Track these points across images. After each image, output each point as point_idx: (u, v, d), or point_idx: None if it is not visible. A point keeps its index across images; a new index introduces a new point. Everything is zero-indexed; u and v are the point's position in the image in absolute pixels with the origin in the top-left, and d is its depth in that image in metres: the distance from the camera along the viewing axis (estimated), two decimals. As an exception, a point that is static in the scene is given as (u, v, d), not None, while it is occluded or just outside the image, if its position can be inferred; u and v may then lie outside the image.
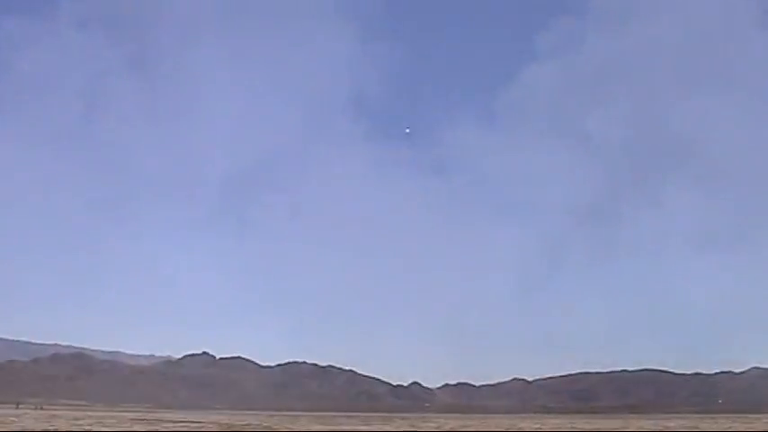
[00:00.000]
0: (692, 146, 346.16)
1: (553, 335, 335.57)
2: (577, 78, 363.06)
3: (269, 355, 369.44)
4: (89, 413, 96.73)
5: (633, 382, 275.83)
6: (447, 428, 59.52)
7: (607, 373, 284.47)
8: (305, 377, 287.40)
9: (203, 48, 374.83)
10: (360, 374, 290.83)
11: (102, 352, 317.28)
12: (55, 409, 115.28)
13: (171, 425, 59.27)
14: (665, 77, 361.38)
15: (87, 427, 50.27)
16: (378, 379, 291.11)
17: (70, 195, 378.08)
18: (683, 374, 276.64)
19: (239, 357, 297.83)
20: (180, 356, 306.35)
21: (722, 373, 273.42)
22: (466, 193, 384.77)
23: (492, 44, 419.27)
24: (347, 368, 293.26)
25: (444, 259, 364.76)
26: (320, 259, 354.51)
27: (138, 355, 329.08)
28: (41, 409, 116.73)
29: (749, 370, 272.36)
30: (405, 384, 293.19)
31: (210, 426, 57.60)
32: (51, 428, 47.11)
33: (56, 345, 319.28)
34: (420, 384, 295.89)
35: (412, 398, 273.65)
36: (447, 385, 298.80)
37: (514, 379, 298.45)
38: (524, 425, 69.94)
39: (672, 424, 73.28)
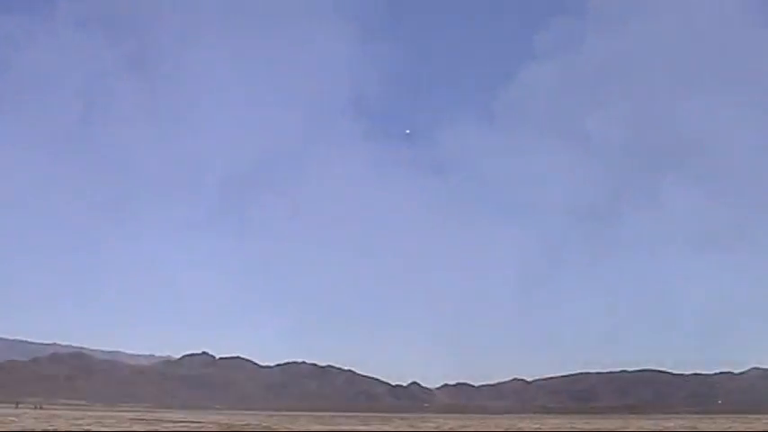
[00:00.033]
0: (692, 145, 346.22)
1: (553, 335, 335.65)
2: (577, 78, 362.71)
3: (268, 355, 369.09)
4: (88, 413, 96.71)
5: (632, 382, 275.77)
6: (446, 429, 59.55)
7: (606, 373, 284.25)
8: (304, 377, 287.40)
9: (203, 48, 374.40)
10: (359, 374, 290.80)
11: (102, 352, 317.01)
12: (54, 409, 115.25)
13: (170, 425, 59.27)
14: (665, 77, 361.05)
15: (87, 427, 50.25)
16: (377, 379, 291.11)
17: (69, 195, 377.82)
18: (683, 375, 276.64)
19: (238, 357, 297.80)
20: (179, 356, 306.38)
21: (721, 373, 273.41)
22: (465, 193, 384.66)
23: (491, 44, 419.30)
24: (346, 368, 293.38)
25: (444, 259, 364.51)
26: (320, 259, 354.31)
27: (138, 355, 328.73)
28: (41, 408, 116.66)
29: (749, 370, 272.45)
30: (404, 384, 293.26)
31: (210, 426, 57.59)
32: (51, 428, 47.09)
33: (55, 344, 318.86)
34: (419, 384, 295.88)
35: (411, 398, 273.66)
36: (446, 385, 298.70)
37: (514, 379, 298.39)
38: (524, 425, 69.97)
39: (671, 424, 73.32)
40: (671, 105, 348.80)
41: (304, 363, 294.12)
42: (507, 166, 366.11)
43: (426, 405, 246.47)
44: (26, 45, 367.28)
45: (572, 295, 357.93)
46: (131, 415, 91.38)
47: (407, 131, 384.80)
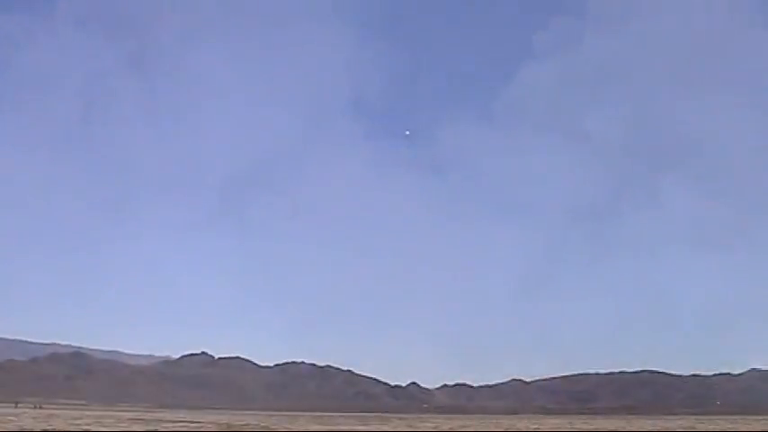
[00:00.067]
0: (691, 145, 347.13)
1: (552, 336, 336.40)
2: (576, 78, 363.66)
3: (267, 355, 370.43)
4: (87, 413, 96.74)
5: (631, 383, 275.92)
6: (445, 429, 59.66)
7: (605, 374, 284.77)
8: (303, 377, 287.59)
9: (203, 48, 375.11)
10: (358, 375, 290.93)
11: (101, 351, 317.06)
12: (53, 409, 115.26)
13: (169, 425, 59.34)
14: (664, 77, 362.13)
15: (86, 427, 50.32)
16: (376, 379, 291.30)
17: (69, 195, 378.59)
18: (681, 376, 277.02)
19: (238, 357, 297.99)
20: (178, 356, 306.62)
21: (720, 374, 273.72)
22: (465, 193, 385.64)
23: (490, 44, 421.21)
24: (345, 368, 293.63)
25: (443, 260, 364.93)
26: (319, 260, 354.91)
27: (137, 355, 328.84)
28: (40, 408, 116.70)
29: (748, 371, 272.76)
30: (403, 385, 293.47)
31: (209, 426, 57.67)
32: (50, 428, 47.15)
33: (54, 344, 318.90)
34: (418, 385, 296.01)
35: (410, 398, 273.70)
36: (445, 386, 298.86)
37: (513, 380, 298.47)
38: (523, 426, 70.05)
39: (670, 425, 73.42)
40: (670, 105, 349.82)
41: (303, 363, 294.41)
42: (507, 165, 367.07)
43: (425, 405, 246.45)
44: (26, 44, 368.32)
45: (571, 296, 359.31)
46: (130, 415, 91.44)
47: (407, 132, 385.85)
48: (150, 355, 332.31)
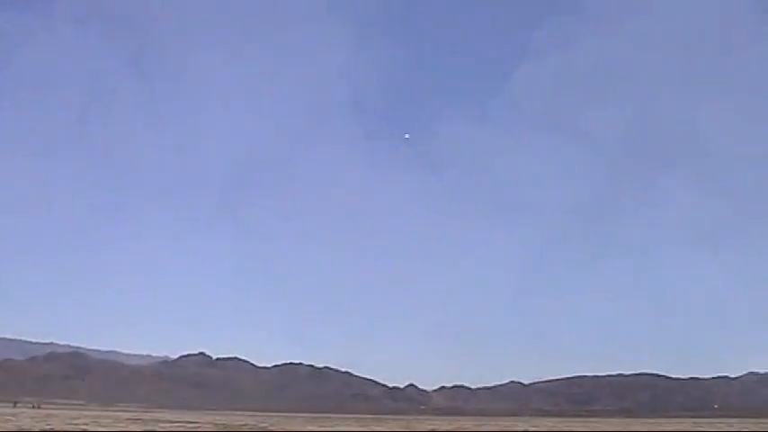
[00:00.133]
0: (690, 144, 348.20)
1: (550, 338, 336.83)
2: (573, 77, 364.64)
3: (265, 356, 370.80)
4: (85, 412, 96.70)
5: (629, 386, 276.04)
6: (442, 430, 59.71)
7: (603, 376, 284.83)
8: (301, 378, 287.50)
9: (203, 48, 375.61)
10: (355, 376, 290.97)
11: (99, 351, 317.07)
12: (51, 409, 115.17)
13: (167, 425, 59.37)
14: (662, 76, 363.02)
15: (83, 427, 50.34)
16: (373, 381, 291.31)
17: (68, 196, 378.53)
18: (679, 379, 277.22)
19: (236, 358, 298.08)
20: (176, 357, 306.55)
21: (718, 377, 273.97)
22: (463, 193, 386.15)
23: (488, 43, 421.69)
24: (343, 370, 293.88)
25: (441, 260, 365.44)
26: (317, 261, 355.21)
27: (135, 355, 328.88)
28: (39, 408, 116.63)
29: (745, 375, 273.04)
30: (400, 386, 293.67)
31: (207, 426, 57.71)
32: (48, 428, 47.18)
33: (52, 344, 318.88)
34: (416, 386, 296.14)
35: (407, 400, 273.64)
36: (443, 388, 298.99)
37: (511, 382, 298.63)
38: (520, 427, 70.11)
39: (668, 428, 73.47)
40: (669, 104, 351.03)
41: (301, 364, 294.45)
42: (505, 164, 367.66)
43: (423, 407, 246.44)
44: (25, 43, 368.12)
45: (569, 298, 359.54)
46: (128, 415, 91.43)
47: (407, 136, 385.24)
48: (148, 356, 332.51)
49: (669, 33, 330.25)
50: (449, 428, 64.02)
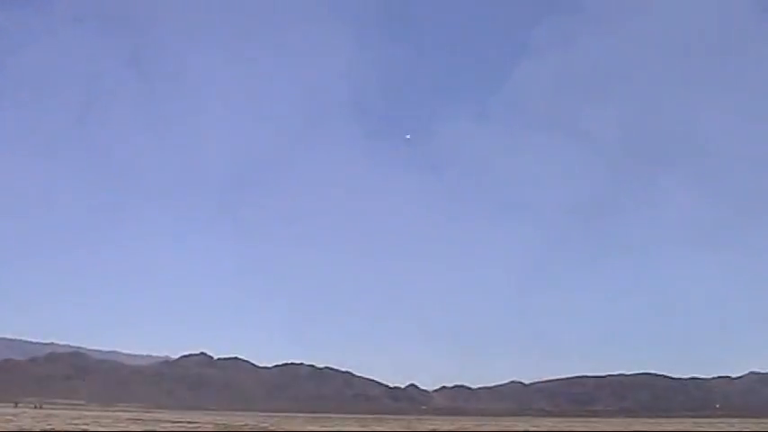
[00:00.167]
0: (690, 144, 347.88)
1: (551, 338, 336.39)
2: (572, 76, 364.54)
3: (266, 356, 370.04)
4: (86, 413, 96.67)
5: (630, 386, 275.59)
6: (443, 430, 59.60)
7: (604, 376, 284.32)
8: (302, 378, 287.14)
9: (203, 48, 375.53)
10: (356, 376, 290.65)
11: (99, 351, 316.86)
12: (51, 409, 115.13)
13: (168, 425, 59.28)
14: (661, 75, 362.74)
15: (84, 427, 50.26)
16: (374, 381, 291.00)
17: (68, 196, 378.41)
18: (680, 379, 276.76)
19: (236, 358, 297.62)
20: (177, 357, 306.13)
21: (719, 377, 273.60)
22: (463, 192, 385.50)
23: (487, 42, 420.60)
24: (344, 370, 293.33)
25: (441, 260, 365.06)
26: (318, 261, 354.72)
27: (136, 355, 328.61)
28: (40, 408, 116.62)
29: (747, 374, 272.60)
30: (401, 386, 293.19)
31: (207, 426, 57.62)
32: (48, 428, 47.10)
33: (52, 344, 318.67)
34: (416, 386, 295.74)
35: (408, 400, 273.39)
36: (444, 388, 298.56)
37: (512, 382, 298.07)
38: (521, 427, 70.00)
39: (669, 428, 73.35)
40: (668, 103, 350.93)
41: (302, 364, 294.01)
42: (505, 163, 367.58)
43: (424, 407, 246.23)
44: (24, 42, 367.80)
45: (570, 297, 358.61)
46: (128, 415, 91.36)
47: (408, 137, 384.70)
48: (149, 356, 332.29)
49: (669, 33, 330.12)
50: (450, 428, 63.90)
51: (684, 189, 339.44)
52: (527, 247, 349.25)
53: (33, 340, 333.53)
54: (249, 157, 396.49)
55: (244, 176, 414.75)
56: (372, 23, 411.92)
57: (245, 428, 56.30)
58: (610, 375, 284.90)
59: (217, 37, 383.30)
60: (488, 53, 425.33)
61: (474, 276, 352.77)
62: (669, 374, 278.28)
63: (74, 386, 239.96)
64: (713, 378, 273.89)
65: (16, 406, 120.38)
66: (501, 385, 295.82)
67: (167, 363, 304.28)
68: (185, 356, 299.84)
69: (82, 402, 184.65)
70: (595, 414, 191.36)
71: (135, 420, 67.94)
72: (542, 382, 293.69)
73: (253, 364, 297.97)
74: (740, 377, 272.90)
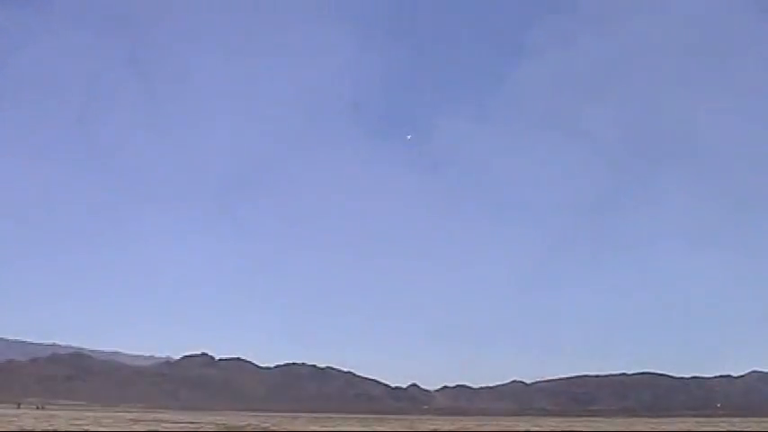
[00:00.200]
0: (690, 143, 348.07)
1: (552, 337, 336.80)
2: (571, 76, 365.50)
3: (268, 357, 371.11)
4: (87, 413, 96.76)
5: (632, 385, 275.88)
6: (445, 430, 59.64)
7: (606, 376, 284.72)
8: (303, 378, 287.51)
9: (203, 48, 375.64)
10: (358, 376, 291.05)
11: (101, 352, 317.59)
12: (53, 410, 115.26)
13: (170, 425, 59.36)
14: (660, 75, 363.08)
15: (86, 427, 50.33)
16: (376, 381, 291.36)
17: (69, 196, 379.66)
18: (682, 378, 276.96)
19: (238, 358, 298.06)
20: (179, 357, 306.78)
21: (721, 377, 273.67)
22: (463, 192, 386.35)
23: (486, 42, 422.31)
24: (346, 370, 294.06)
25: (442, 260, 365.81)
26: (318, 261, 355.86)
27: (138, 356, 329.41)
28: (43, 409, 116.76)
29: (748, 373, 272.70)
30: (403, 386, 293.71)
31: (209, 426, 57.70)
32: (50, 428, 47.18)
33: (54, 345, 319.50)
34: (418, 386, 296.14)
35: (410, 400, 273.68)
36: (445, 387, 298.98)
37: (513, 381, 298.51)
38: (522, 427, 70.02)
39: (670, 427, 73.33)
40: (668, 103, 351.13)
41: (303, 364, 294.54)
42: (505, 163, 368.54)
43: (425, 407, 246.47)
44: (23, 42, 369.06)
45: (571, 296, 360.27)
46: (130, 415, 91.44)
47: (409, 137, 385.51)
48: (151, 356, 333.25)
49: (669, 33, 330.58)
50: (451, 428, 63.93)
51: (684, 188, 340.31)
52: (528, 247, 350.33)
53: (35, 341, 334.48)
54: (249, 158, 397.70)
55: (244, 177, 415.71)
56: (372, 24, 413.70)
57: (247, 428, 56.37)
58: (611, 375, 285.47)
59: (217, 37, 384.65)
60: (488, 53, 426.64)
61: (475, 276, 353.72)
62: (670, 374, 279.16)
63: (75, 387, 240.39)
64: (714, 377, 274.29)
65: (19, 407, 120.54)
66: (502, 385, 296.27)
67: (169, 363, 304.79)
68: (187, 357, 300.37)
69: (84, 403, 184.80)
70: (597, 413, 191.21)
71: (137, 421, 68.03)
72: (544, 381, 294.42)
73: (254, 365, 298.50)
74: (741, 376, 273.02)
